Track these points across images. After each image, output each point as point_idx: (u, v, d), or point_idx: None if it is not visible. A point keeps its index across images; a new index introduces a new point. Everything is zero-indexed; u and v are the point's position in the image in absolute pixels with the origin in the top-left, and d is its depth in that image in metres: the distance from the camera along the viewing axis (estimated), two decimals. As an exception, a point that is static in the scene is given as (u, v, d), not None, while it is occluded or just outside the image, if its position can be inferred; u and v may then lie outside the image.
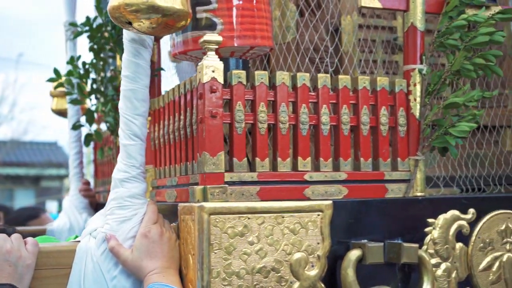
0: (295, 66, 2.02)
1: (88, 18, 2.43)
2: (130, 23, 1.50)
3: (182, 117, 1.73)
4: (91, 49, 2.45)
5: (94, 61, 2.51)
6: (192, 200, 1.57)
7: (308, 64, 2.05)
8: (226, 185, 1.55)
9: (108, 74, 2.52)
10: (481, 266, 1.78)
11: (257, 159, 1.62)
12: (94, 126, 2.77)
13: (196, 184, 1.58)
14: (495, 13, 1.81)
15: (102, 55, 2.48)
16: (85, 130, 2.70)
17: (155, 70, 2.11)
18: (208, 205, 1.50)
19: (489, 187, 2.17)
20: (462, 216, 1.77)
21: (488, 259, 1.79)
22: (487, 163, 2.25)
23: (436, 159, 2.13)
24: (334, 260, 1.62)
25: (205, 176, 1.54)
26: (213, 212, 1.50)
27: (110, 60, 2.54)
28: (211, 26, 1.68)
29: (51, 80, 2.62)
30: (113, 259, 1.62)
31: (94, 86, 2.53)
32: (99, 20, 2.38)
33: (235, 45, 1.68)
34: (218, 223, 1.50)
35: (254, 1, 1.70)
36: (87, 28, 2.42)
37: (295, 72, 1.98)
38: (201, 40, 1.57)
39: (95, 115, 2.61)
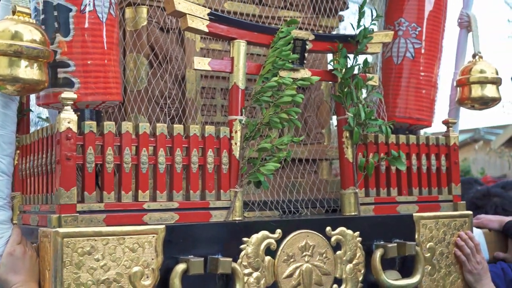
0: (147, 112, 2.45)
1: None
2: (-2, 88, 1.88)
3: (44, 155, 2.10)
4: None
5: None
6: (49, 226, 1.95)
7: (159, 112, 2.49)
8: (78, 214, 1.95)
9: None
10: (285, 274, 2.28)
11: (105, 193, 2.03)
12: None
13: (53, 212, 1.96)
14: (298, 79, 2.34)
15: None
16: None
17: (24, 111, 2.46)
18: (61, 230, 1.89)
19: (307, 209, 2.70)
20: (271, 235, 2.27)
21: (290, 268, 2.29)
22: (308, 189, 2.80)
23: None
24: (165, 272, 2.05)
25: (60, 207, 1.93)
26: (66, 236, 1.89)
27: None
28: (70, 84, 2.07)
29: None
30: None
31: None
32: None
33: (89, 100, 2.08)
34: (70, 245, 1.89)
35: (105, 64, 2.12)
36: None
37: (146, 117, 2.42)
38: (60, 96, 1.96)
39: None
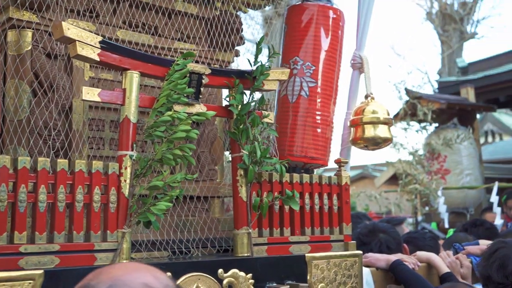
0: (28, 144, 2.26)
1: None
2: None
3: None
4: None
5: None
6: None
7: (42, 144, 2.30)
8: None
9: None
10: (174, 320, 2.15)
11: (-26, 234, 1.82)
12: None
13: None
14: (193, 114, 2.25)
15: None
16: None
17: None
18: None
19: (198, 249, 2.59)
20: (160, 279, 2.13)
21: (179, 314, 2.17)
22: (199, 228, 2.69)
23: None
24: (41, 322, 1.86)
25: None
26: None
27: None
28: None
29: None
30: None
31: None
32: None
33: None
34: None
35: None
36: None
37: (27, 150, 2.22)
38: None
39: None
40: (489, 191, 6.63)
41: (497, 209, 6.10)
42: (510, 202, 6.11)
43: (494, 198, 6.20)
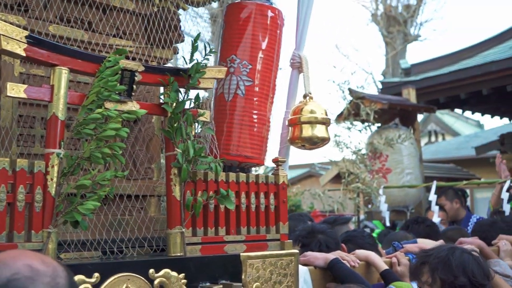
0: None
1: None
2: None
3: None
4: None
5: None
6: None
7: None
8: None
9: None
10: (102, 322, 2.10)
11: None
12: None
13: None
14: (123, 112, 2.21)
15: None
16: None
17: None
18: None
19: (133, 249, 2.54)
20: (87, 279, 2.08)
21: (108, 315, 2.12)
22: (136, 228, 2.64)
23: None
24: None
25: None
26: None
27: None
28: None
29: None
30: None
31: None
32: None
33: None
34: None
35: None
36: None
37: None
38: None
39: None
40: (428, 189, 6.75)
41: (435, 208, 6.24)
42: (439, 200, 6.30)
43: (433, 197, 6.33)
